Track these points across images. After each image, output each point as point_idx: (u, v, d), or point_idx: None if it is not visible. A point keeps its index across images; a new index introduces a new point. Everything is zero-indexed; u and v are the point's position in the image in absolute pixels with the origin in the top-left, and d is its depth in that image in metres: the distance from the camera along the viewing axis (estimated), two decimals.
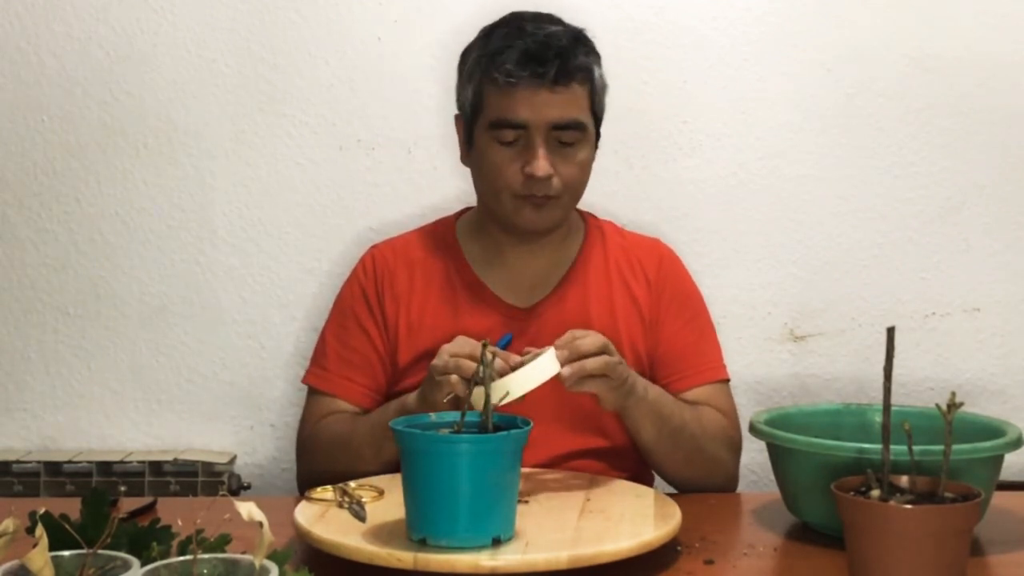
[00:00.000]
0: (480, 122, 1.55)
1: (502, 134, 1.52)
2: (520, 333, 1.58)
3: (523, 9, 1.64)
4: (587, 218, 1.72)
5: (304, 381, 1.72)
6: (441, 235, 1.70)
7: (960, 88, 2.15)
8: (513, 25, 1.55)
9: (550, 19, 1.58)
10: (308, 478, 1.63)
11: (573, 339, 1.37)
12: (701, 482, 1.58)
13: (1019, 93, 2.15)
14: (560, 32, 1.54)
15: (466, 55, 1.60)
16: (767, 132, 2.15)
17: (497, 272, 1.65)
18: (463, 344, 1.38)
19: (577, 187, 1.58)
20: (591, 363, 1.35)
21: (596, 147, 1.62)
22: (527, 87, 1.49)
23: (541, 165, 1.50)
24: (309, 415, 1.68)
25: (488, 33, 1.58)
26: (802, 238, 2.16)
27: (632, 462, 1.63)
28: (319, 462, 1.60)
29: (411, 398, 1.47)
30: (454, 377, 1.34)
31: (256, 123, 2.13)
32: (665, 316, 1.66)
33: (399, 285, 1.66)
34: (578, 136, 1.54)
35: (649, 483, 1.71)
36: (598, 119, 1.59)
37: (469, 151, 1.61)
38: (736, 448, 1.64)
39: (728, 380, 1.70)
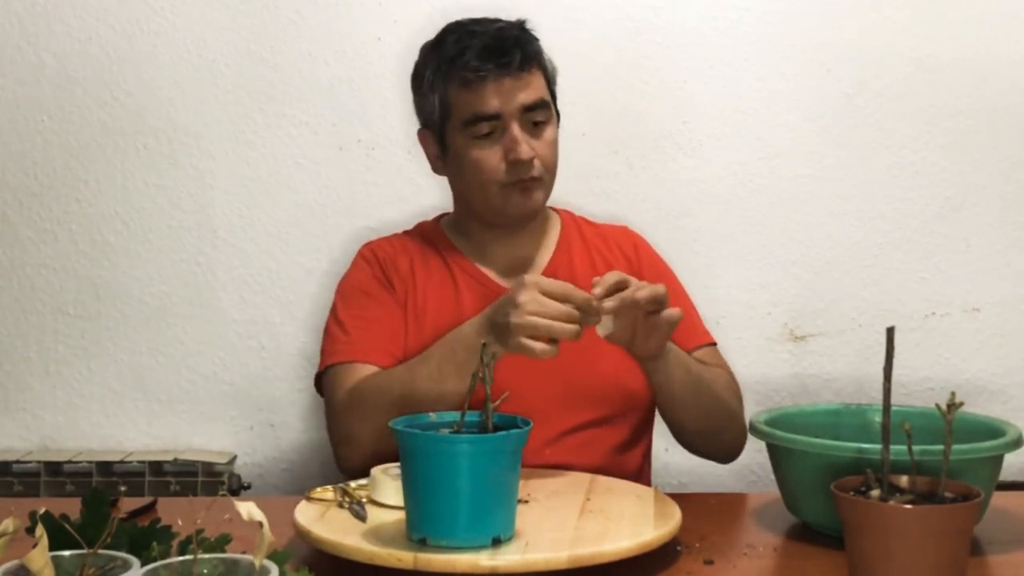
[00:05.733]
0: (452, 125, 1.60)
1: (477, 129, 1.56)
2: None
3: (515, 10, 1.67)
4: (559, 211, 1.78)
5: (323, 366, 1.62)
6: (428, 233, 1.74)
7: (960, 88, 2.15)
8: (460, 31, 1.61)
9: (490, 19, 1.63)
10: (353, 435, 1.53)
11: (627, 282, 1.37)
12: (718, 434, 1.62)
13: (1019, 93, 2.15)
14: (507, 25, 1.61)
15: (420, 72, 1.66)
16: (767, 132, 2.15)
17: (489, 260, 1.68)
18: (552, 305, 1.35)
19: (553, 166, 1.63)
20: (642, 293, 1.35)
21: (558, 127, 1.66)
22: (494, 78, 1.54)
23: (524, 149, 1.55)
24: (338, 385, 1.57)
25: (436, 45, 1.64)
26: (802, 238, 2.16)
27: (628, 427, 1.65)
28: (367, 414, 1.49)
29: (475, 329, 1.43)
30: (546, 340, 1.34)
31: (256, 123, 2.13)
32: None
33: (402, 271, 1.68)
34: (547, 115, 1.60)
35: (647, 471, 1.71)
36: (555, 100, 1.66)
37: (444, 159, 1.65)
38: (742, 401, 1.69)
39: (716, 344, 1.73)
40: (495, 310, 1.40)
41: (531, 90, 1.57)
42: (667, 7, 2.13)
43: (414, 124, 2.12)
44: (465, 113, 1.57)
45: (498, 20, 1.63)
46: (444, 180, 2.13)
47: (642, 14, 2.13)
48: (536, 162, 1.57)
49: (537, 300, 1.34)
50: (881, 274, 2.17)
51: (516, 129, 1.56)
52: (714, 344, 1.72)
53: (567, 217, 1.76)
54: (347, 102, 2.13)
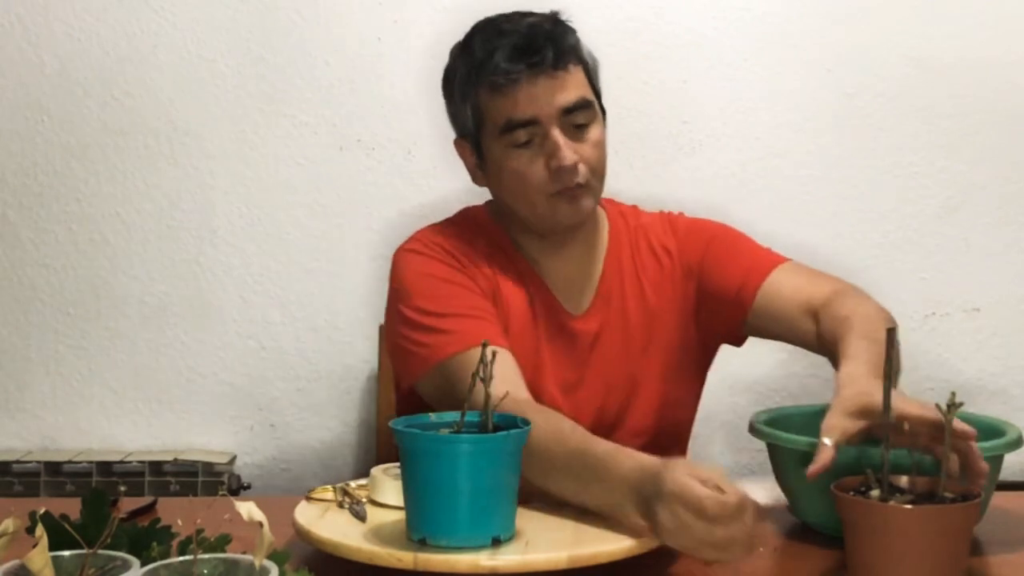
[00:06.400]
0: (488, 133, 1.46)
1: (515, 136, 1.43)
2: (570, 343, 1.49)
3: (517, 9, 1.59)
4: (606, 206, 1.60)
5: (430, 366, 1.37)
6: (486, 229, 1.54)
7: (960, 88, 2.15)
8: (489, 30, 1.47)
9: (521, 13, 1.48)
10: None
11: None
12: None
13: (1019, 93, 2.15)
14: (539, 19, 1.47)
15: (450, 77, 1.52)
16: (767, 132, 2.15)
17: (545, 274, 1.53)
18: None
19: (601, 168, 1.48)
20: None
21: (605, 125, 1.52)
22: (527, 80, 1.41)
23: (567, 155, 1.41)
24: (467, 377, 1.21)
25: (465, 47, 1.49)
26: (802, 238, 2.16)
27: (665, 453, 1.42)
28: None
29: (633, 496, 1.14)
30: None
31: (256, 123, 2.13)
32: (707, 261, 1.55)
33: (483, 267, 1.48)
34: (589, 115, 1.45)
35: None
36: (599, 96, 1.51)
37: (483, 169, 1.50)
38: (880, 309, 1.46)
39: (789, 260, 1.55)
40: (653, 510, 1.10)
41: (569, 90, 1.43)
42: (668, 8, 2.13)
43: (414, 124, 2.13)
44: (499, 120, 1.43)
45: (530, 14, 1.47)
46: (444, 182, 2.14)
47: (642, 14, 2.13)
48: (581, 167, 1.42)
49: (685, 523, 1.06)
50: (881, 274, 2.17)
51: (557, 134, 1.41)
52: (787, 261, 1.53)
53: (613, 214, 1.60)
54: (347, 102, 2.13)
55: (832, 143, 2.16)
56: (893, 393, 1.12)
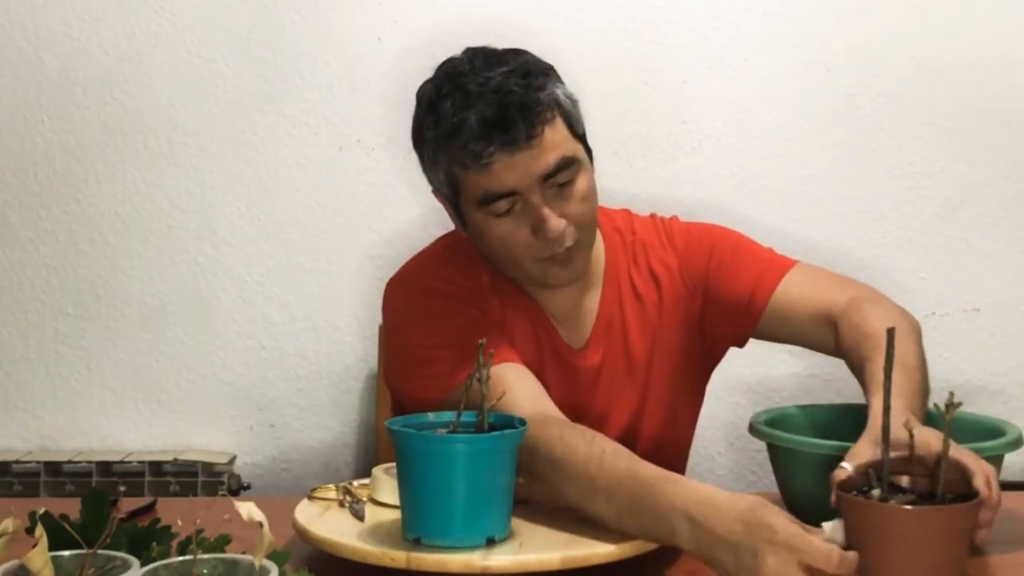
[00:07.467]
0: (465, 201, 1.38)
1: (494, 207, 1.35)
2: (573, 377, 1.46)
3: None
4: (600, 220, 1.49)
5: (446, 392, 1.33)
6: (483, 264, 1.47)
7: (960, 88, 2.15)
8: (455, 88, 1.34)
9: (486, 60, 1.36)
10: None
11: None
12: None
13: (1019, 93, 2.15)
14: (508, 76, 1.33)
15: (418, 132, 1.40)
16: (767, 132, 2.15)
17: (551, 312, 1.48)
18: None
19: (591, 220, 1.40)
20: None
21: (592, 163, 1.44)
22: (501, 156, 1.31)
23: (552, 225, 1.33)
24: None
25: (432, 105, 1.36)
26: (802, 238, 2.16)
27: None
28: (534, 477, 1.23)
29: (688, 532, 1.08)
30: None
31: (256, 123, 2.13)
32: (711, 272, 1.51)
33: (493, 310, 1.45)
34: (572, 172, 1.36)
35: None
36: (582, 138, 1.41)
37: (464, 226, 1.43)
38: (911, 325, 1.43)
39: (798, 263, 1.51)
40: (734, 550, 1.05)
41: (548, 154, 1.33)
42: (667, 7, 2.13)
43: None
44: (477, 193, 1.34)
45: (496, 64, 1.34)
46: None
47: (642, 14, 2.13)
48: (569, 231, 1.35)
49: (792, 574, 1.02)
50: (881, 274, 2.16)
51: (540, 203, 1.33)
52: (795, 263, 1.50)
53: (608, 230, 1.53)
54: (347, 102, 2.13)
55: (832, 143, 2.16)
56: (927, 429, 1.14)
